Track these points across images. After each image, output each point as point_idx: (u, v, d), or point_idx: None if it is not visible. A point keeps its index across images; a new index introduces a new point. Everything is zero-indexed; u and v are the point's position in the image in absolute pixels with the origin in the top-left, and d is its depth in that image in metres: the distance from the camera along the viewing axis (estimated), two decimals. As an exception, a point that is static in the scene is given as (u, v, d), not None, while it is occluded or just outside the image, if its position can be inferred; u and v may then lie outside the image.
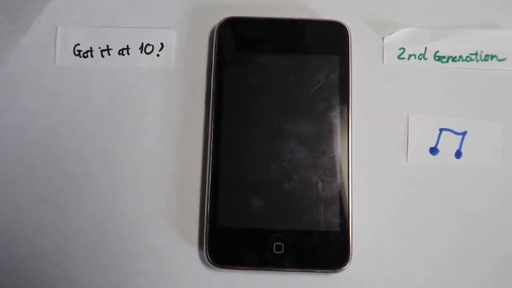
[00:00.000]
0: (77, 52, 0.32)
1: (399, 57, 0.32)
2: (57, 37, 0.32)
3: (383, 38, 0.32)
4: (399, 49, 0.32)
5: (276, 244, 0.28)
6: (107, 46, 0.32)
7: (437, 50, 0.32)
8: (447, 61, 0.31)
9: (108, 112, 0.31)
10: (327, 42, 0.31)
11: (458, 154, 0.30)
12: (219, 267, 0.28)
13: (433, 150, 0.30)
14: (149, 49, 0.32)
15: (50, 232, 0.29)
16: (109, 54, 0.32)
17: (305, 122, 0.29)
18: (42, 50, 0.32)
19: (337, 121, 0.29)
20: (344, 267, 0.28)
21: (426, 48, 0.32)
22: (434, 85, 0.31)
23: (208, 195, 0.28)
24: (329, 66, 0.30)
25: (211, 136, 0.29)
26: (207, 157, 0.29)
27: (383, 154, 0.30)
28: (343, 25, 0.31)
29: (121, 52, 0.32)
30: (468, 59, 0.31)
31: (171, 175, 0.30)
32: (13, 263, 0.29)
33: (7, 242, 0.29)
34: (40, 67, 0.31)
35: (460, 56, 0.31)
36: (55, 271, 0.29)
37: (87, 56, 0.32)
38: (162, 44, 0.32)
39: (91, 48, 0.32)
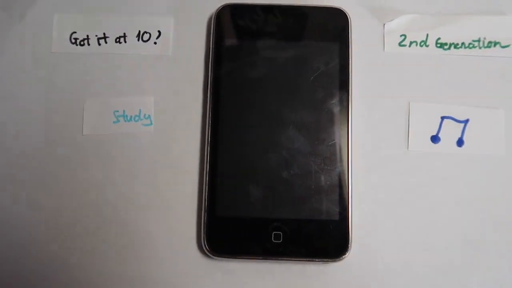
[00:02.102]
0: (73, 40, 0.31)
1: (400, 44, 0.31)
2: (53, 25, 0.31)
3: (384, 24, 0.31)
4: (400, 36, 0.31)
5: (274, 233, 0.28)
6: (104, 34, 0.31)
7: (439, 37, 0.31)
8: (449, 48, 0.31)
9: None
10: (327, 28, 0.30)
11: (460, 143, 0.30)
12: (217, 257, 0.28)
13: (435, 139, 0.30)
14: (146, 36, 0.31)
15: (45, 221, 0.29)
16: (106, 42, 0.31)
17: (304, 110, 0.29)
18: (38, 38, 0.31)
19: (336, 109, 0.29)
20: (343, 256, 0.27)
21: (427, 35, 0.31)
22: (435, 73, 0.31)
23: (206, 184, 0.28)
24: (329, 53, 0.30)
25: (209, 124, 0.29)
26: (205, 145, 0.29)
27: (383, 143, 0.30)
28: (343, 11, 0.30)
29: (118, 40, 0.31)
30: (471, 46, 0.31)
31: (169, 163, 0.30)
32: (7, 253, 0.29)
33: (0, 230, 0.29)
34: (36, 55, 0.31)
35: (463, 43, 0.31)
36: (50, 260, 0.29)
37: (83, 44, 0.31)
38: (159, 31, 0.31)
39: (87, 36, 0.31)
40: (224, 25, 0.30)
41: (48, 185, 0.29)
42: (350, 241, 0.27)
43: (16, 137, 0.30)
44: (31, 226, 0.29)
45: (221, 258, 0.28)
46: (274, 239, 0.28)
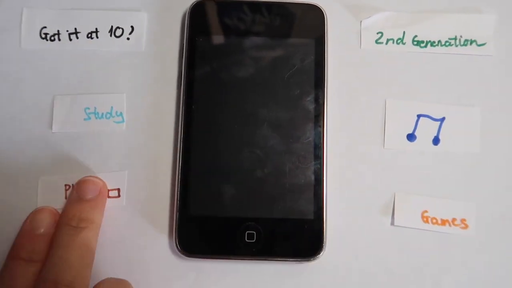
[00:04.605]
0: (43, 35, 0.30)
1: (377, 42, 0.31)
2: (22, 19, 0.30)
3: (361, 21, 0.31)
4: (377, 33, 0.31)
5: (248, 233, 0.27)
6: (75, 29, 0.30)
7: (415, 34, 0.31)
8: (425, 46, 0.31)
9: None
10: (303, 25, 0.30)
11: (435, 141, 0.30)
12: (189, 256, 0.27)
13: (411, 137, 0.30)
14: (119, 32, 0.30)
15: (13, 222, 0.28)
16: (77, 38, 0.30)
17: (279, 107, 0.29)
18: (6, 33, 0.30)
19: (312, 107, 0.29)
20: (317, 256, 0.27)
21: (404, 32, 0.31)
22: (412, 70, 0.30)
23: (178, 182, 0.28)
24: (304, 50, 0.29)
25: (182, 122, 0.28)
26: (178, 144, 0.28)
27: (359, 140, 0.30)
28: (319, 8, 0.30)
29: (89, 35, 0.30)
30: (447, 44, 0.31)
31: (140, 162, 0.29)
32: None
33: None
34: (5, 51, 0.30)
35: (439, 41, 0.31)
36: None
37: (54, 40, 0.30)
38: (132, 27, 0.30)
39: (58, 31, 0.30)
40: (198, 21, 0.29)
41: (16, 184, 0.29)
42: (324, 240, 0.27)
43: (-16, 135, 0.29)
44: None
45: (193, 258, 0.27)
46: (247, 239, 0.27)
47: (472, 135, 0.30)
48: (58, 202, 0.28)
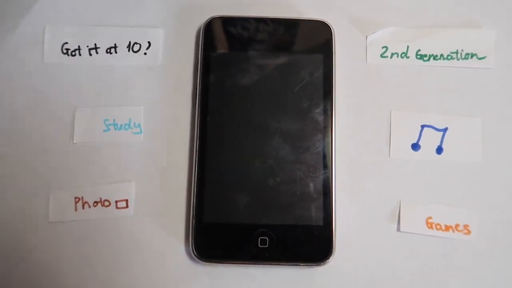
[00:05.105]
0: (65, 51, 0.32)
1: (382, 56, 0.32)
2: (45, 35, 0.32)
3: (367, 37, 0.32)
4: (382, 47, 0.32)
5: (261, 239, 0.28)
6: (95, 44, 0.32)
7: (419, 48, 0.32)
8: (428, 60, 0.32)
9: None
10: (311, 40, 0.31)
11: (439, 150, 0.31)
12: (205, 262, 0.28)
13: (415, 146, 0.31)
14: (136, 47, 0.32)
15: (36, 227, 0.30)
16: (97, 53, 0.32)
17: (290, 119, 0.30)
18: (30, 49, 0.32)
19: (320, 118, 0.30)
20: (327, 261, 0.28)
21: (408, 47, 0.32)
22: (416, 83, 0.32)
23: (194, 191, 0.29)
24: (313, 64, 0.31)
25: (197, 133, 0.30)
26: (193, 154, 0.30)
27: (366, 150, 0.31)
28: (327, 24, 0.31)
29: (109, 50, 0.32)
30: (449, 57, 0.32)
31: (158, 171, 0.30)
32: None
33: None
34: (28, 65, 0.32)
35: (441, 55, 0.32)
36: (41, 267, 0.29)
37: (75, 55, 0.32)
38: (149, 42, 0.32)
39: (79, 46, 0.32)
40: (212, 37, 0.31)
41: (41, 193, 0.30)
42: (334, 246, 0.28)
43: (8, 145, 0.31)
44: (21, 233, 0.30)
45: (209, 263, 0.29)
46: (260, 244, 0.28)
47: (474, 144, 0.31)
48: (68, 215, 0.30)
